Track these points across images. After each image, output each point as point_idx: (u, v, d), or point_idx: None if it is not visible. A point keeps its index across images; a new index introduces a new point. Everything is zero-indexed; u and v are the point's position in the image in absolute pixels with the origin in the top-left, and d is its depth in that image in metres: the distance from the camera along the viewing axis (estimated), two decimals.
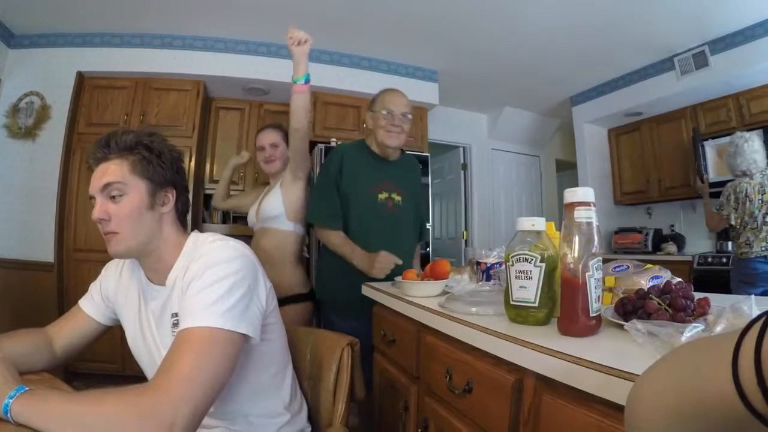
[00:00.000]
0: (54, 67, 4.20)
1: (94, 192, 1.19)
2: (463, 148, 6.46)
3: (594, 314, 1.00)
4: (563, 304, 1.03)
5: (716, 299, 1.09)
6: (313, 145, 4.37)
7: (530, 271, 1.13)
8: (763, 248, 3.46)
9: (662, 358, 0.49)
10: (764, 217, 3.47)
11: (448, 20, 4.04)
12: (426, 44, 4.55)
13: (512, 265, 1.16)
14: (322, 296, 2.45)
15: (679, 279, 1.50)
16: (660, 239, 5.33)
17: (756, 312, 0.87)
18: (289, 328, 1.60)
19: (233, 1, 3.80)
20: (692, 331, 0.82)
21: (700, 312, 0.98)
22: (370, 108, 2.41)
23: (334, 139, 4.48)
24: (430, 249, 4.80)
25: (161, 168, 1.24)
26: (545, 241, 1.15)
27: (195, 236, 1.29)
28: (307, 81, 2.20)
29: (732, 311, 0.91)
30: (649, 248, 5.26)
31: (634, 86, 5.17)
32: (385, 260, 2.15)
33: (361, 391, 1.58)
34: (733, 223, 3.66)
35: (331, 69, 4.70)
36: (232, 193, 3.27)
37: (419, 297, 1.65)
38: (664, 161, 5.31)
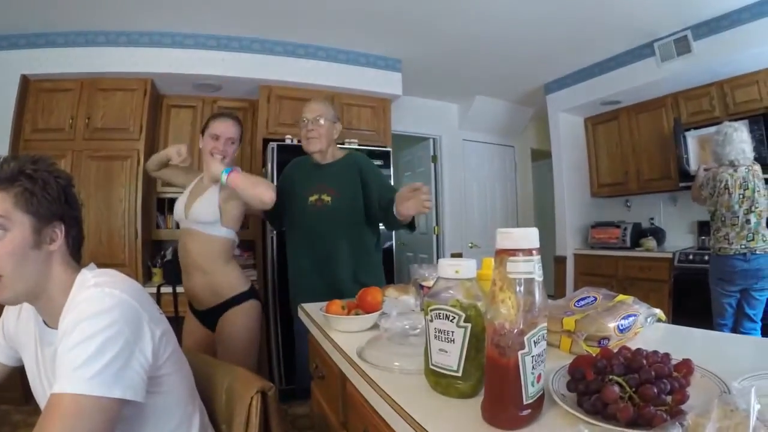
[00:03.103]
0: None
1: None
2: (433, 140, 6.22)
3: (530, 401, 0.75)
4: (487, 386, 0.79)
5: (702, 342, 0.86)
6: (266, 143, 4.21)
7: (452, 332, 0.88)
8: (743, 246, 3.37)
9: None
10: (745, 214, 3.38)
11: (411, 6, 3.77)
12: (387, 32, 4.25)
13: (431, 320, 0.91)
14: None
15: (656, 311, 1.26)
16: (639, 234, 5.18)
17: (756, 408, 0.62)
18: (207, 363, 1.52)
19: None
20: None
21: (677, 400, 0.71)
22: (299, 125, 2.57)
23: (289, 136, 4.17)
24: (393, 242, 4.51)
25: (46, 200, 1.13)
26: (475, 292, 0.89)
27: (82, 276, 1.16)
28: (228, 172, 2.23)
29: (723, 405, 0.64)
30: (628, 244, 5.11)
31: (611, 73, 4.91)
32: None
33: None
34: (706, 208, 3.63)
35: (283, 60, 4.41)
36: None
37: (345, 333, 1.49)
38: (643, 152, 5.14)
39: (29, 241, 1.10)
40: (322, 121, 2.43)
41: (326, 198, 2.42)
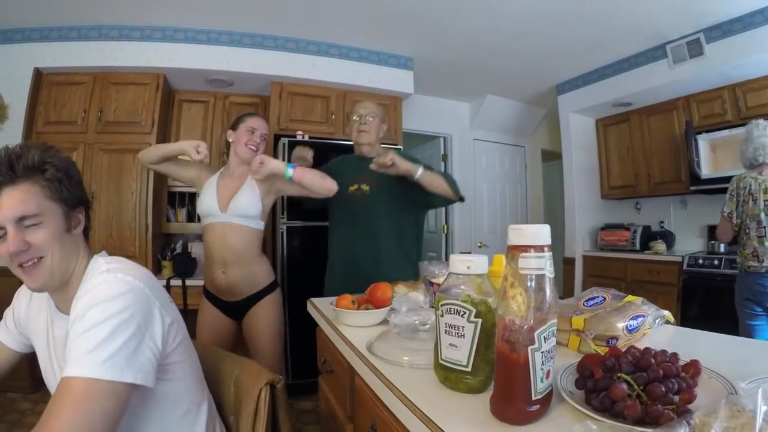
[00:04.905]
0: (11, 65, 3.98)
1: (2, 222, 1.06)
2: (444, 138, 6.21)
3: (538, 396, 0.75)
4: (496, 380, 0.79)
5: (710, 345, 0.86)
6: (277, 138, 4.20)
7: (462, 327, 0.88)
8: None
9: None
10: None
11: (423, 4, 3.77)
12: (399, 29, 4.25)
13: (442, 315, 0.91)
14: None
15: (665, 313, 1.26)
16: (649, 237, 5.13)
17: (763, 409, 0.62)
18: (216, 354, 1.53)
19: None
20: None
21: (684, 400, 0.72)
22: (348, 120, 2.80)
23: (300, 132, 4.19)
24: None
25: (73, 186, 1.17)
26: (486, 288, 0.89)
27: (94, 262, 1.18)
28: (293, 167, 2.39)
29: (730, 405, 0.65)
30: (637, 246, 5.06)
31: (623, 75, 4.89)
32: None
33: None
34: (734, 222, 3.19)
35: (295, 57, 4.41)
36: None
37: (355, 327, 1.50)
38: (654, 154, 5.09)
39: (63, 226, 1.13)
40: (372, 119, 2.64)
41: (365, 187, 2.59)
